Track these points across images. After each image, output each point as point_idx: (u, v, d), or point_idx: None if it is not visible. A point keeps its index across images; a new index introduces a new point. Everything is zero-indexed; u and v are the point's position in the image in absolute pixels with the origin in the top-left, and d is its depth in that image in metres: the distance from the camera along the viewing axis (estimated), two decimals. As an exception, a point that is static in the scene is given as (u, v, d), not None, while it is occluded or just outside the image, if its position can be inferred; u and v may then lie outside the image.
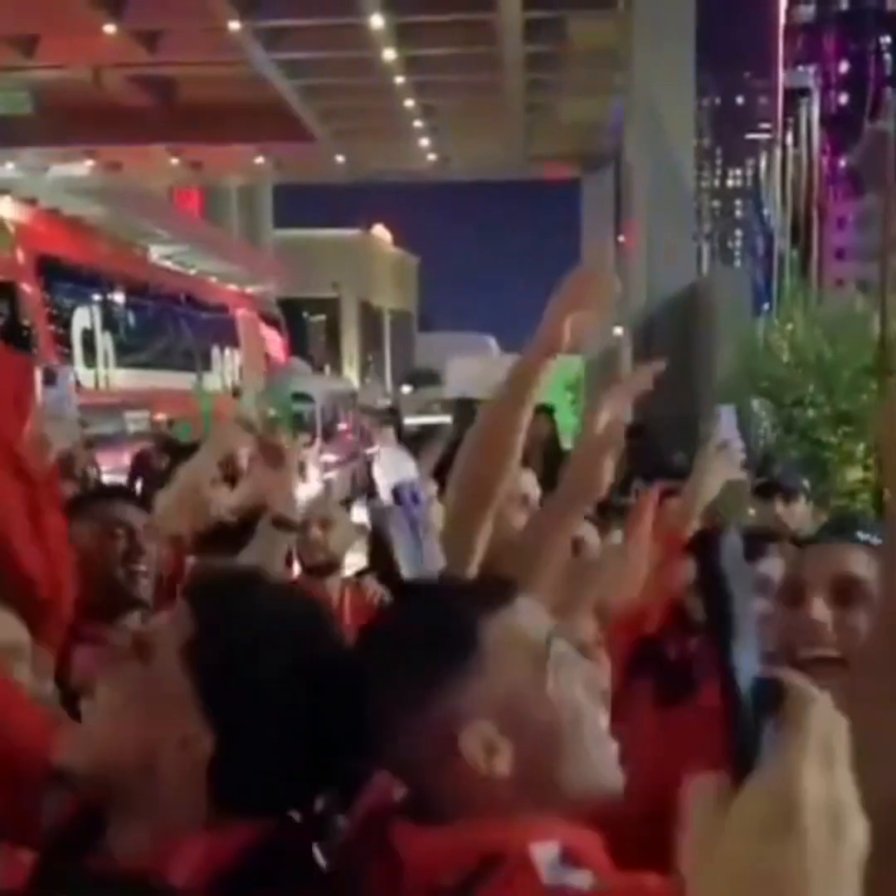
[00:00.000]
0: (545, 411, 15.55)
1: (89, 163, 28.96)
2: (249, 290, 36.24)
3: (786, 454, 11.20)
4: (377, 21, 20.50)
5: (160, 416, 19.78)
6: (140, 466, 10.99)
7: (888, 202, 11.06)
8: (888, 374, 10.25)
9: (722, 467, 3.64)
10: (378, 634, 1.41)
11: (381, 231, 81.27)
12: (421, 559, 2.75)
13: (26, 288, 18.78)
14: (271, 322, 34.85)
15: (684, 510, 3.53)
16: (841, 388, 11.05)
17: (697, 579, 0.78)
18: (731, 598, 0.74)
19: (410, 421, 28.75)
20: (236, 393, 26.78)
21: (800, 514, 5.19)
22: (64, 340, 20.24)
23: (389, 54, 22.14)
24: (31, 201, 23.00)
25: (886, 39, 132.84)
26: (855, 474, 10.79)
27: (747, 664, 0.76)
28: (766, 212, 25.03)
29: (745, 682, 0.76)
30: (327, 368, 57.74)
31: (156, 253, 29.79)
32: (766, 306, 19.76)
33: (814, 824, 0.74)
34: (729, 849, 0.73)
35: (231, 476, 4.43)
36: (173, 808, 1.35)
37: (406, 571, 2.76)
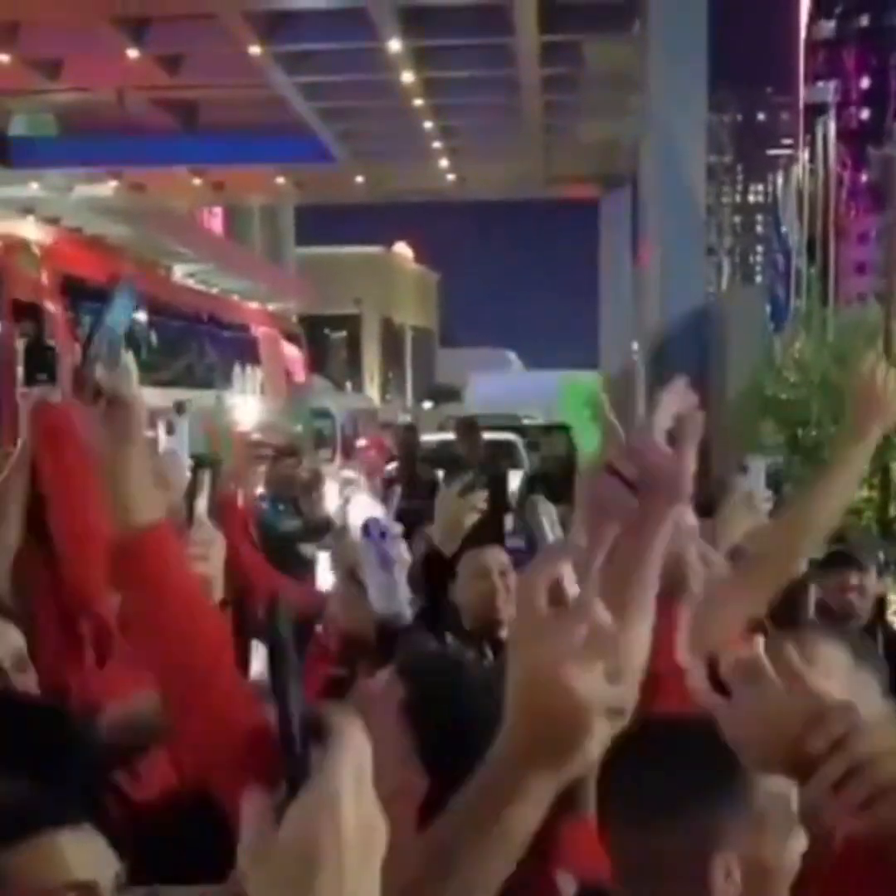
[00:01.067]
0: (561, 430, 15.70)
1: (113, 183, 29.30)
2: (271, 307, 36.51)
3: (792, 474, 11.40)
4: (396, 45, 20.78)
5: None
6: None
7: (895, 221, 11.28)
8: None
9: (745, 516, 3.83)
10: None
11: (402, 248, 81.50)
12: (391, 591, 2.99)
13: (51, 308, 19.07)
14: (292, 339, 35.10)
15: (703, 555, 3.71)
16: (846, 408, 11.20)
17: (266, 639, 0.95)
18: (287, 659, 0.92)
19: (428, 437, 28.88)
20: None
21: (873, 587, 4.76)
22: (87, 360, 20.49)
23: (408, 77, 22.41)
24: (55, 221, 23.31)
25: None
26: (859, 493, 10.95)
27: (297, 701, 0.90)
28: (783, 229, 25.08)
29: (296, 717, 0.90)
30: (348, 385, 57.93)
31: (179, 271, 30.07)
32: (781, 325, 19.83)
33: (349, 843, 0.85)
34: (276, 863, 0.85)
35: None
36: None
37: (377, 604, 3.00)
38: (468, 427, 11.25)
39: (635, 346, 27.34)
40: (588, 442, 32.64)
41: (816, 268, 21.25)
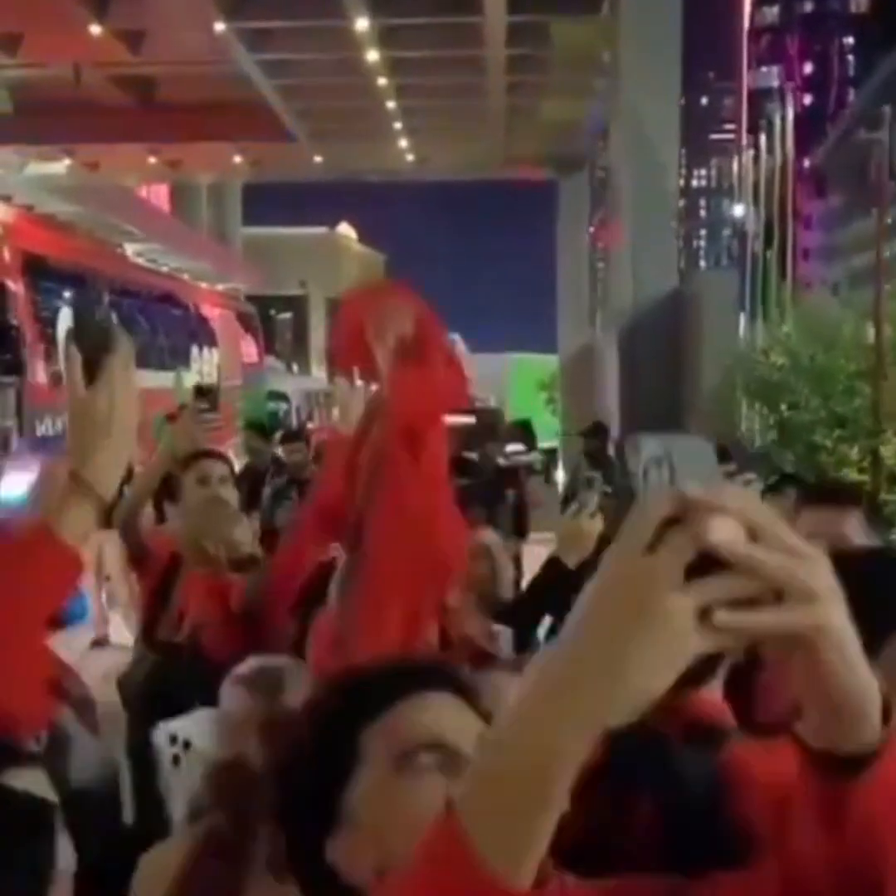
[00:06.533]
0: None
1: (67, 161, 28.88)
2: (219, 287, 36.30)
3: (782, 456, 11.42)
4: (363, 23, 20.56)
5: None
6: None
7: (882, 214, 11.34)
8: (882, 378, 10.48)
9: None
10: None
11: (346, 228, 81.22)
12: None
13: (13, 287, 18.77)
14: (245, 320, 34.89)
15: None
16: (835, 392, 11.25)
17: None
18: None
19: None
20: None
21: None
22: (49, 339, 20.24)
23: (373, 56, 22.16)
24: (7, 199, 22.97)
25: (849, 41, 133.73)
26: (850, 476, 10.99)
27: None
28: (739, 214, 25.21)
29: None
30: (295, 366, 57.77)
31: (128, 250, 29.82)
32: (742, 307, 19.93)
33: None
34: None
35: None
36: None
37: None
38: None
39: (597, 329, 27.33)
40: (544, 424, 32.73)
41: (774, 251, 21.39)
